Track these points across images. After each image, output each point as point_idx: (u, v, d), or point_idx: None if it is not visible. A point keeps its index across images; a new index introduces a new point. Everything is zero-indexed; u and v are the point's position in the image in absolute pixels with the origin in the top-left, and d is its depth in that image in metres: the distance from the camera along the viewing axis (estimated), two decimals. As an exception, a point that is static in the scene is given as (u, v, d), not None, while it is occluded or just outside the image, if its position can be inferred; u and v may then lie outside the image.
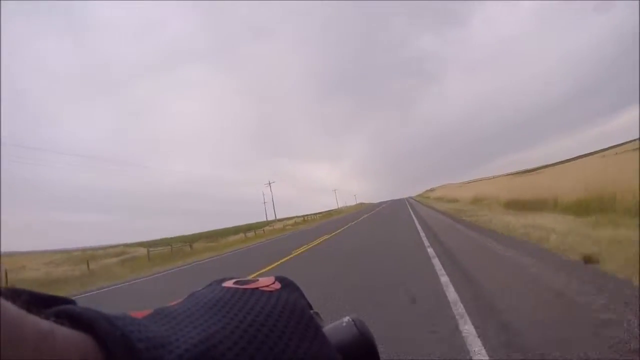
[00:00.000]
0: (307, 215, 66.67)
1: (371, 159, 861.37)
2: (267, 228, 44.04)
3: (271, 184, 60.52)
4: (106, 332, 0.17)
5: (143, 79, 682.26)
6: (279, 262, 9.04)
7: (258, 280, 0.29)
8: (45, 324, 0.16)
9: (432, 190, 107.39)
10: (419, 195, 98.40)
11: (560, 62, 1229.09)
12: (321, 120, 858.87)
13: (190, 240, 42.22)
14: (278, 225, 47.38)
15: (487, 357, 2.30)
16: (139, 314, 0.22)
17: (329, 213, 74.90)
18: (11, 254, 28.42)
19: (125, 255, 25.19)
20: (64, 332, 0.16)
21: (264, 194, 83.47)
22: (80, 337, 0.17)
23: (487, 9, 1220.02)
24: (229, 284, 0.28)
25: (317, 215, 63.60)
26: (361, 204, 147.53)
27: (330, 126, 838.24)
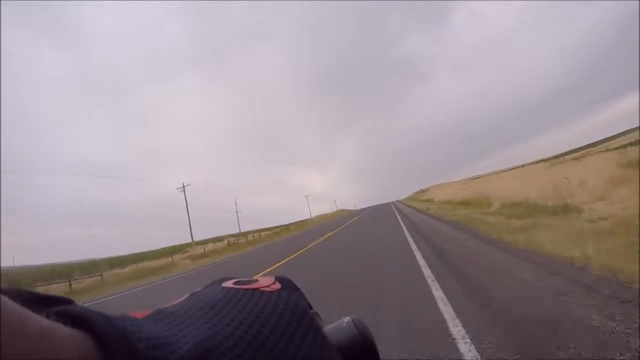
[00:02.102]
0: (245, 233, 46.87)
1: (355, 164, 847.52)
2: (151, 263, 24.46)
3: (185, 188, 40.44)
4: (106, 332, 0.17)
5: (134, 88, 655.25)
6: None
7: (258, 280, 0.28)
8: (46, 322, 0.16)
9: (423, 191, 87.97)
10: (410, 199, 78.41)
11: (548, 56, 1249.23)
12: (306, 124, 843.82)
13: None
14: (177, 258, 27.78)
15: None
16: (139, 314, 0.21)
17: (287, 228, 55.32)
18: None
19: None
20: (65, 331, 0.16)
21: (235, 203, 66.44)
22: (80, 337, 0.16)
23: (474, 6, 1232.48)
24: (228, 284, 0.27)
25: (263, 234, 43.93)
26: (340, 211, 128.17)
27: (314, 131, 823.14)
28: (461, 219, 10.98)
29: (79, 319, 0.17)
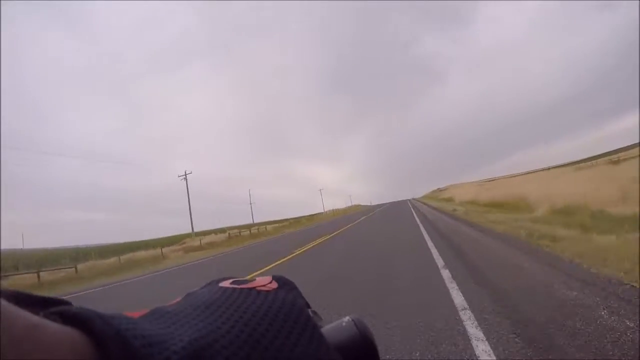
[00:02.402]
0: (250, 225, 44.59)
1: (371, 161, 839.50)
2: (137, 254, 22.47)
3: (187, 176, 38.37)
4: (101, 330, 0.17)
5: (140, 78, 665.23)
6: None
7: (255, 279, 0.28)
8: (35, 319, 0.16)
9: (441, 190, 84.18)
10: (427, 197, 74.55)
11: (563, 61, 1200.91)
12: (322, 120, 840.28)
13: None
14: (171, 249, 25.89)
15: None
16: (135, 313, 0.21)
17: (297, 221, 52.88)
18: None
19: None
20: (55, 327, 0.16)
21: (250, 194, 66.72)
22: (72, 333, 0.16)
23: (490, 8, 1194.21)
24: (226, 283, 0.27)
25: (270, 227, 41.55)
26: (356, 206, 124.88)
27: (331, 126, 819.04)
28: (509, 229, 7.84)
29: (75, 318, 0.17)
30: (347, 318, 0.31)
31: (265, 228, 39.00)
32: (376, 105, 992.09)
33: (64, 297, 0.20)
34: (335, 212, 77.03)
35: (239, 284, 0.27)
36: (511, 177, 51.97)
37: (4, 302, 0.15)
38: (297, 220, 52.06)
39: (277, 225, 43.56)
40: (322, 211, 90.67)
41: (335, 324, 0.31)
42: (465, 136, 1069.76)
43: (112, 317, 0.18)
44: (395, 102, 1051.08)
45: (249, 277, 0.28)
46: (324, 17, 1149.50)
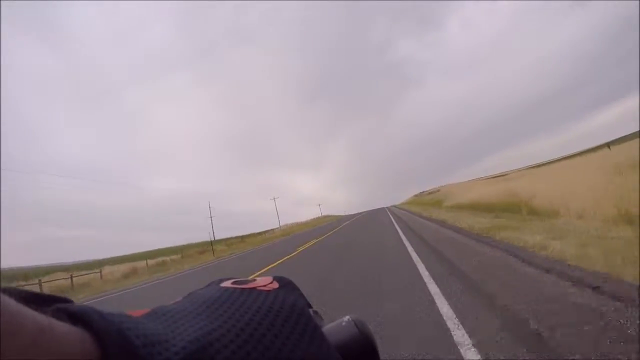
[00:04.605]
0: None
1: (350, 167, 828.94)
2: None
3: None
4: (103, 329, 0.17)
5: (121, 90, 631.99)
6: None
7: (256, 280, 0.28)
8: (43, 319, 0.16)
9: (430, 193, 65.20)
10: (412, 203, 54.83)
11: (540, 60, 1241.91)
12: (298, 128, 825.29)
13: None
14: None
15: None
16: (136, 312, 0.21)
17: (206, 249, 33.16)
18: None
19: None
20: (62, 327, 0.16)
21: (210, 207, 56.11)
22: (78, 333, 0.16)
23: (465, 10, 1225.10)
24: (227, 283, 0.27)
25: (119, 269, 21.89)
26: (324, 217, 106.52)
27: (307, 133, 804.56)
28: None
29: (77, 316, 0.17)
30: (346, 317, 0.31)
31: (100, 273, 19.47)
32: (353, 111, 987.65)
33: (66, 296, 0.20)
34: (290, 228, 57.96)
35: (240, 284, 0.27)
36: (530, 168, 34.85)
37: (13, 302, 0.15)
38: (205, 249, 32.03)
39: (140, 264, 23.68)
40: (279, 226, 71.08)
41: (335, 324, 0.30)
42: (445, 139, 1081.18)
43: (114, 316, 0.18)
44: (372, 108, 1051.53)
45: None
46: (305, 24, 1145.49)
